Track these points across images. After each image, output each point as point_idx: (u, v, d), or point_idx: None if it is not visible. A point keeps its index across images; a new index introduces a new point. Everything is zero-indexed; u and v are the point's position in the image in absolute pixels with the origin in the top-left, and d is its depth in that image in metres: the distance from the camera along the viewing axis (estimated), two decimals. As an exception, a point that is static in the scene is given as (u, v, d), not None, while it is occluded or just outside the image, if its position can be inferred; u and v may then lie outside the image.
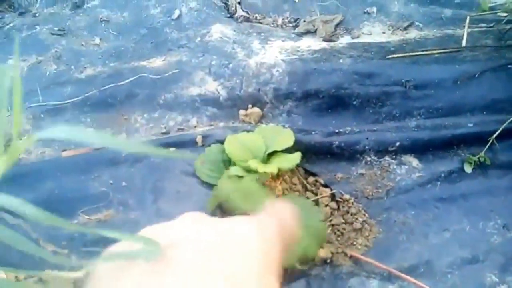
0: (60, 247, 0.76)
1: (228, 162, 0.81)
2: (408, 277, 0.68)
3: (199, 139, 0.84)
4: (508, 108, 0.77)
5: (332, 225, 0.79)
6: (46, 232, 0.77)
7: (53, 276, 0.75)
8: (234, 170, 0.76)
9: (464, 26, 0.90)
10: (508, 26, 0.89)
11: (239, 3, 1.03)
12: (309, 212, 0.72)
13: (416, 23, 0.95)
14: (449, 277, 0.69)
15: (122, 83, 0.89)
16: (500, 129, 0.76)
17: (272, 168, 0.76)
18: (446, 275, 0.70)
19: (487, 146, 0.77)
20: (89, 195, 0.81)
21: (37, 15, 1.11)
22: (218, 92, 0.88)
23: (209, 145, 0.83)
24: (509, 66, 0.82)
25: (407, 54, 0.85)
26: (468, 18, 0.88)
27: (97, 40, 1.02)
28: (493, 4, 0.90)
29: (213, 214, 0.77)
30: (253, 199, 0.70)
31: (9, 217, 0.74)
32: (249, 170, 0.77)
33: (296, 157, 0.77)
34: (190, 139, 0.84)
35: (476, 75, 0.81)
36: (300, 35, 0.96)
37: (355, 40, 0.94)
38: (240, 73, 0.88)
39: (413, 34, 0.93)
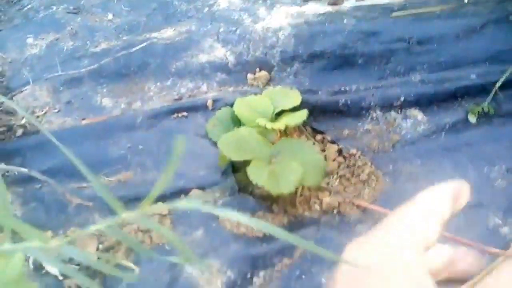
0: (82, 209, 0.81)
1: (238, 123, 0.85)
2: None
3: (209, 103, 0.88)
4: (510, 58, 0.78)
5: (340, 176, 0.82)
6: (70, 194, 0.83)
7: (78, 234, 0.81)
8: (246, 129, 0.80)
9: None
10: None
11: (245, -27, 1.06)
12: (305, 148, 0.76)
13: (419, -17, 0.96)
14: (453, 220, 0.72)
15: (134, 49, 0.93)
16: (503, 78, 0.78)
17: (279, 124, 0.79)
18: (451, 219, 0.72)
19: (490, 96, 0.79)
20: (108, 159, 0.85)
21: (52, -5, 1.16)
22: (227, 58, 0.91)
23: (220, 109, 0.87)
24: (511, 18, 0.83)
25: (410, 12, 0.87)
26: (469, -28, 0.89)
27: (110, 16, 1.07)
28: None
29: (225, 171, 0.81)
30: (249, 147, 0.74)
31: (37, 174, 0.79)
32: (259, 129, 0.81)
33: (303, 114, 0.80)
34: (202, 104, 0.88)
35: (478, 28, 0.82)
36: (307, 0, 0.99)
37: (360, 3, 0.96)
38: (247, 38, 0.91)
39: (416, -7, 0.95)
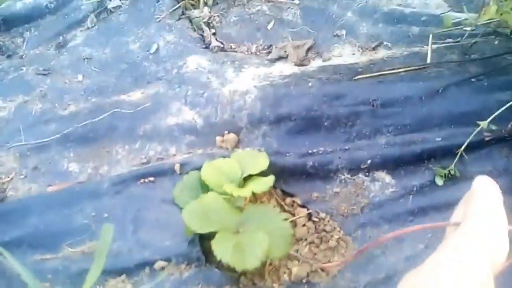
0: (44, 281, 0.78)
1: (206, 188, 0.84)
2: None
3: (177, 167, 0.87)
4: (474, 121, 0.79)
5: (309, 243, 0.80)
6: (32, 267, 0.80)
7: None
8: (213, 196, 0.79)
9: (431, 44, 0.94)
10: (473, 40, 0.93)
11: (214, 34, 1.07)
12: (272, 216, 0.75)
13: (385, 43, 0.98)
14: None
15: (101, 117, 0.93)
16: (467, 141, 0.78)
17: (246, 192, 0.78)
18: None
19: (456, 159, 0.79)
20: (73, 228, 0.83)
21: (23, 56, 1.16)
22: (195, 121, 0.91)
23: (187, 173, 0.86)
24: (473, 80, 0.85)
25: (374, 74, 0.88)
26: (431, 35, 0.91)
27: (80, 77, 1.07)
28: (458, 20, 0.93)
29: (191, 240, 0.79)
30: (215, 217, 0.73)
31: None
32: (226, 195, 0.80)
33: (269, 180, 0.80)
34: (169, 168, 0.87)
35: (440, 91, 0.83)
36: (273, 61, 1.00)
37: (326, 63, 0.97)
38: (215, 101, 0.91)
39: (381, 53, 0.97)
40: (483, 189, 0.37)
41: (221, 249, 0.69)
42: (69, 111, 1.00)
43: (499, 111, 0.76)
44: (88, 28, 1.17)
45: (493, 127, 0.77)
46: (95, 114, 0.96)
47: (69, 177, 0.91)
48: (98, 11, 1.18)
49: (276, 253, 0.72)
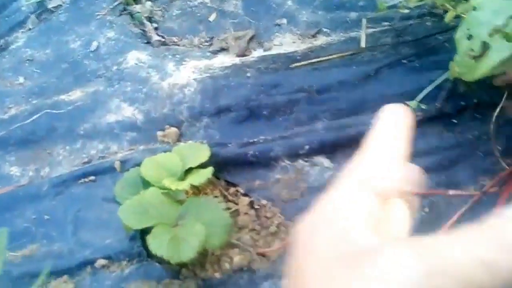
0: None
1: (147, 185, 0.84)
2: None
3: (117, 165, 0.86)
4: (406, 101, 0.80)
5: (250, 230, 0.81)
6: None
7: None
8: (152, 191, 0.79)
9: (367, 28, 0.95)
10: (408, 23, 0.94)
11: (156, 28, 1.07)
12: (211, 207, 0.76)
13: (324, 30, 0.99)
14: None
15: (39, 118, 0.92)
16: (399, 122, 0.79)
17: (184, 184, 0.78)
18: None
19: (390, 140, 0.81)
20: (13, 232, 0.82)
21: (-37, 61, 1.13)
22: (135, 117, 0.91)
23: (128, 170, 0.85)
24: (404, 61, 0.86)
25: (309, 61, 0.89)
26: (364, 20, 0.92)
27: (21, 80, 1.05)
28: (394, 2, 0.95)
29: (132, 237, 0.79)
30: (153, 212, 0.73)
31: None
32: (167, 190, 0.80)
33: (208, 172, 0.80)
34: (111, 166, 0.87)
35: (373, 74, 0.85)
36: (215, 53, 1.00)
37: (267, 53, 0.98)
38: (154, 96, 0.91)
39: (320, 40, 0.97)
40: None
41: (156, 243, 0.70)
42: (9, 114, 0.98)
43: (427, 90, 0.78)
44: (29, 29, 1.15)
45: (423, 106, 0.79)
46: (34, 115, 0.94)
47: (10, 181, 0.90)
48: (38, 11, 1.16)
49: (214, 243, 0.73)
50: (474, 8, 0.67)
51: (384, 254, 0.22)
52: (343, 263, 0.23)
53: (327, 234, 0.26)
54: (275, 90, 0.87)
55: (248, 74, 0.90)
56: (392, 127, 0.33)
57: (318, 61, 0.89)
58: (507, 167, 0.73)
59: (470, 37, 0.66)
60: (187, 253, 0.69)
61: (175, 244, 0.70)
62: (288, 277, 0.27)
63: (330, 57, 0.89)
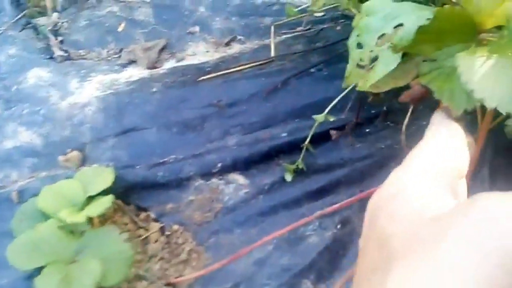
0: None
1: (45, 217, 0.77)
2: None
3: (14, 195, 0.79)
4: (316, 112, 0.77)
5: (160, 259, 0.76)
6: None
7: None
8: (48, 224, 0.73)
9: (280, 35, 0.91)
10: (320, 27, 0.91)
11: (62, 41, 0.99)
12: (110, 240, 0.71)
13: (238, 37, 0.95)
14: (266, 289, 0.69)
15: None
16: (310, 134, 0.77)
17: (80, 216, 0.73)
18: (264, 287, 0.70)
19: (302, 153, 0.78)
20: None
21: None
22: (34, 141, 0.84)
23: (26, 201, 0.79)
24: (313, 70, 0.83)
25: (218, 73, 0.84)
26: (272, 27, 0.89)
27: None
28: (304, 6, 0.92)
29: (30, 277, 0.73)
30: (48, 249, 0.67)
31: None
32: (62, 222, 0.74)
33: (107, 200, 0.74)
34: (8, 196, 0.80)
35: (282, 85, 0.81)
36: (124, 65, 0.94)
37: (178, 64, 0.93)
38: (52, 118, 0.84)
39: (234, 49, 0.93)
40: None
41: (44, 285, 0.64)
42: None
43: (334, 101, 0.75)
44: None
45: (332, 119, 0.76)
46: None
47: None
48: None
49: (112, 280, 0.68)
50: (366, 13, 0.64)
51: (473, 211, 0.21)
52: (431, 227, 0.22)
53: (411, 202, 0.25)
54: (182, 105, 0.82)
55: (154, 89, 0.84)
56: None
57: (227, 73, 0.85)
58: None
59: (359, 45, 0.64)
60: (80, 294, 0.63)
61: (66, 285, 0.65)
62: (367, 247, 0.25)
63: (240, 68, 0.85)
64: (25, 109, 0.86)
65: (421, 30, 0.48)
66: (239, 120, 0.82)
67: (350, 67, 0.64)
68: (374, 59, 0.60)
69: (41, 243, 0.69)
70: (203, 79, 0.84)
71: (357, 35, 0.64)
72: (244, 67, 0.85)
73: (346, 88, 0.76)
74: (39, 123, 0.84)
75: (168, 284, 0.73)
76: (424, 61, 0.51)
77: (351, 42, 0.65)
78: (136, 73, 0.92)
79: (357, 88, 0.65)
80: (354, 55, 0.63)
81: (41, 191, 0.76)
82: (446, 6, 0.46)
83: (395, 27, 0.59)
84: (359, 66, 0.62)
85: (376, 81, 0.58)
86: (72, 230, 0.74)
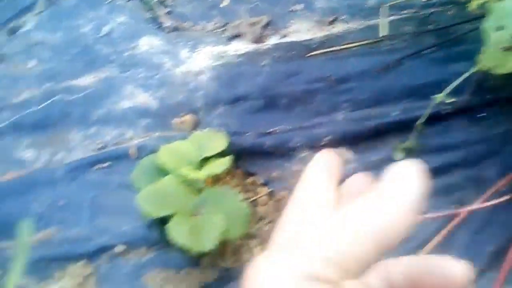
0: (3, 270, 0.76)
1: (164, 172, 0.83)
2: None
3: (133, 151, 0.85)
4: (430, 93, 0.79)
5: (270, 221, 0.81)
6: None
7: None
8: (170, 179, 0.78)
9: (387, 16, 0.93)
10: (430, 11, 0.92)
11: (168, 13, 1.05)
12: (229, 198, 0.75)
13: (342, 17, 0.98)
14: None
15: (52, 103, 0.90)
16: (426, 114, 0.78)
17: (202, 174, 0.78)
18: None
19: (414, 133, 0.80)
20: (29, 216, 0.81)
21: (-28, 43, 1.11)
22: (150, 103, 0.89)
23: (144, 157, 0.84)
24: (428, 51, 0.85)
25: (327, 50, 0.87)
26: (381, 8, 0.91)
27: (32, 63, 1.03)
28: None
29: (151, 224, 0.79)
30: (171, 200, 0.72)
31: None
32: (184, 179, 0.79)
33: (226, 161, 0.79)
34: (125, 152, 0.85)
35: (395, 64, 0.83)
36: (229, 39, 0.98)
37: (282, 40, 0.96)
38: (169, 82, 0.89)
39: (338, 28, 0.96)
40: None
41: (176, 232, 0.69)
42: (21, 98, 0.97)
43: (455, 82, 0.77)
44: (38, 13, 1.12)
45: (450, 99, 0.77)
46: (48, 100, 0.93)
47: (23, 165, 0.89)
48: (48, -6, 1.14)
49: (233, 234, 0.72)
50: (507, -4, 0.65)
51: None
52: None
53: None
54: (292, 79, 0.86)
55: (264, 62, 0.88)
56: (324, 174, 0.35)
57: (336, 50, 0.87)
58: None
59: (499, 28, 0.65)
60: (208, 243, 0.68)
61: (196, 233, 0.69)
62: None
63: (348, 45, 0.88)
64: (140, 73, 0.92)
65: None
66: (349, 96, 0.84)
67: (487, 50, 0.66)
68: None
69: (166, 195, 0.74)
70: (312, 55, 0.87)
71: (496, 19, 0.65)
72: (353, 45, 0.88)
73: (466, 71, 0.77)
74: (155, 86, 0.90)
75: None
76: None
77: (488, 25, 0.67)
78: (242, 47, 0.96)
79: (493, 71, 0.67)
80: (493, 38, 0.65)
81: (160, 148, 0.81)
82: None
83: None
84: (499, 48, 0.64)
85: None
86: (191, 187, 0.79)
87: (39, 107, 0.93)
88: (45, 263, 0.77)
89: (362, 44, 0.87)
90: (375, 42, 0.88)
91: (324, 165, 0.34)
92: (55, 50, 1.03)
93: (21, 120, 0.93)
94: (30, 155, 0.90)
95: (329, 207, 0.30)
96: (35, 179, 0.85)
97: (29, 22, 1.12)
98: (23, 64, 1.04)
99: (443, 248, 0.71)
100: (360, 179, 0.34)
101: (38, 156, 0.90)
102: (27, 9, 1.14)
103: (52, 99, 0.93)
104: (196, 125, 0.88)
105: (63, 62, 1.00)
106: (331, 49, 0.87)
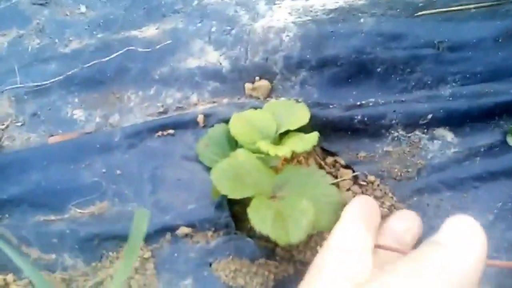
0: (49, 247, 0.68)
1: (234, 144, 0.71)
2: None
3: (200, 118, 0.74)
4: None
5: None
6: (34, 229, 0.69)
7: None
8: (246, 154, 0.66)
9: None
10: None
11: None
12: (317, 180, 0.63)
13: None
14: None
15: (110, 57, 0.79)
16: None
17: (285, 150, 0.65)
18: (490, 258, 0.60)
19: (535, 115, 0.66)
20: (80, 186, 0.72)
21: (16, -17, 0.99)
22: (220, 64, 0.77)
23: (212, 125, 0.73)
24: (562, 19, 0.69)
25: (440, 10, 0.72)
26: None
27: (83, 9, 0.91)
28: None
29: (219, 204, 0.68)
30: (248, 180, 0.61)
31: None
32: (258, 153, 0.67)
33: (313, 137, 0.67)
34: (191, 119, 0.74)
35: (521, 32, 0.68)
36: (314, -8, 0.84)
37: (377, -4, 0.81)
38: (245, 40, 0.76)
39: (445, -15, 0.80)
40: None
41: (259, 219, 0.58)
42: (71, 48, 0.85)
43: None
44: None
45: None
46: (102, 52, 0.81)
47: (73, 127, 0.79)
48: None
49: (322, 225, 0.61)
50: None
51: None
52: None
53: None
54: (395, 43, 0.72)
55: (362, 20, 0.74)
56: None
57: (451, 11, 0.72)
58: None
59: None
60: (297, 234, 0.57)
61: (281, 222, 0.58)
62: None
63: (466, 6, 0.73)
64: (213, 26, 0.79)
65: None
66: (461, 68, 0.70)
67: None
68: None
69: (243, 173, 0.63)
70: (420, 15, 0.73)
71: None
72: (471, 6, 0.72)
73: None
74: (229, 44, 0.77)
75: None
76: None
77: None
78: (329, 1, 0.81)
79: None
80: None
81: (232, 117, 0.69)
82: None
83: None
84: None
85: None
86: (266, 164, 0.67)
87: (91, 61, 0.81)
88: (98, 242, 0.68)
89: (482, 6, 0.72)
90: (498, 4, 0.72)
91: (363, 212, 0.35)
92: (110, -5, 0.91)
93: (71, 74, 0.82)
94: (81, 115, 0.80)
95: (364, 271, 0.31)
96: (87, 144, 0.75)
97: (79, -38, 0.99)
98: (72, 9, 0.92)
99: None
100: (406, 219, 0.35)
101: (90, 117, 0.80)
102: None
103: (106, 52, 0.81)
104: (271, 93, 0.76)
105: (119, 9, 0.87)
106: (444, 9, 0.72)
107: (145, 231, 0.43)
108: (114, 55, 0.79)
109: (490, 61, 0.69)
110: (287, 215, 0.59)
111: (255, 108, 0.73)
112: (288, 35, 0.75)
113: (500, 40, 0.69)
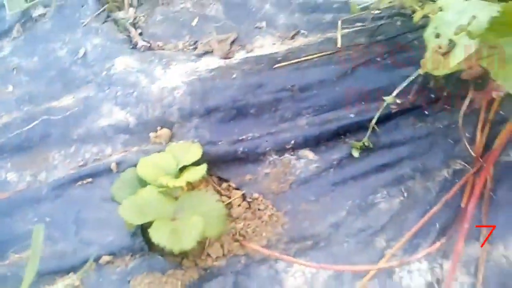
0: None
1: (144, 183, 0.88)
2: (289, 258, 0.79)
3: (113, 166, 0.91)
4: (382, 96, 0.87)
5: (244, 219, 0.87)
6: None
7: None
8: (149, 189, 0.84)
9: (342, 29, 1.02)
10: (379, 23, 1.02)
11: (141, 34, 1.11)
12: (206, 200, 0.81)
13: (302, 31, 1.06)
14: (345, 245, 0.79)
15: (33, 125, 0.95)
16: (377, 115, 0.87)
17: (180, 181, 0.84)
18: (343, 244, 0.80)
19: (368, 132, 0.88)
20: (17, 235, 0.86)
21: (-51, 71, 1.14)
22: (127, 120, 0.95)
23: (124, 170, 0.90)
24: (378, 59, 0.94)
25: (291, 61, 0.95)
26: (339, 22, 0.99)
27: (10, 88, 1.07)
28: (366, 4, 1.02)
29: (134, 233, 0.84)
30: (151, 208, 0.78)
31: None
32: (163, 187, 0.85)
33: (202, 168, 0.85)
34: (106, 168, 0.91)
35: (350, 72, 0.92)
36: (200, 56, 1.05)
37: (249, 55, 1.04)
38: (145, 99, 0.96)
39: (299, 42, 1.04)
40: None
41: (158, 235, 0.75)
42: (2, 122, 1.01)
43: (402, 85, 0.86)
44: (14, 38, 1.17)
45: (398, 101, 0.86)
46: (28, 122, 0.98)
47: (8, 187, 0.93)
48: (23, 20, 1.19)
49: (212, 232, 0.79)
50: (441, 9, 0.74)
51: None
52: None
53: None
54: (260, 90, 0.93)
55: (234, 76, 0.95)
56: None
57: (298, 61, 0.95)
58: (472, 153, 0.82)
59: (438, 35, 0.74)
60: (188, 242, 0.74)
61: (176, 235, 0.75)
62: None
63: (310, 57, 0.96)
64: (118, 91, 0.98)
65: (491, 21, 0.60)
66: (310, 103, 0.92)
67: (428, 54, 0.75)
68: (451, 47, 0.71)
69: (145, 204, 0.80)
70: (277, 67, 0.95)
71: (435, 27, 0.74)
72: (313, 56, 0.96)
73: (412, 74, 0.86)
74: (132, 104, 0.96)
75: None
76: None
77: (428, 33, 0.76)
78: (212, 62, 1.03)
79: (433, 73, 0.76)
80: (432, 44, 0.74)
81: (139, 161, 0.87)
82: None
83: (470, 18, 0.70)
84: (437, 53, 0.73)
85: (456, 64, 0.69)
86: (169, 194, 0.85)
87: (18, 129, 0.97)
88: (37, 278, 0.81)
89: (321, 55, 0.96)
90: (332, 53, 0.96)
91: None
92: (32, 74, 1.08)
93: (3, 143, 0.97)
94: (14, 176, 0.94)
95: None
96: (20, 199, 0.90)
97: (5, 47, 1.16)
98: (1, 89, 1.08)
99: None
100: None
101: (21, 177, 0.94)
102: (3, 35, 1.18)
103: (31, 122, 0.97)
104: (171, 138, 0.95)
105: (41, 85, 1.05)
106: (295, 60, 0.95)
107: (42, 241, 0.59)
108: (33, 124, 0.95)
109: (331, 95, 0.92)
110: (181, 230, 0.77)
111: (159, 151, 0.91)
112: (179, 92, 0.95)
113: (335, 80, 0.92)
